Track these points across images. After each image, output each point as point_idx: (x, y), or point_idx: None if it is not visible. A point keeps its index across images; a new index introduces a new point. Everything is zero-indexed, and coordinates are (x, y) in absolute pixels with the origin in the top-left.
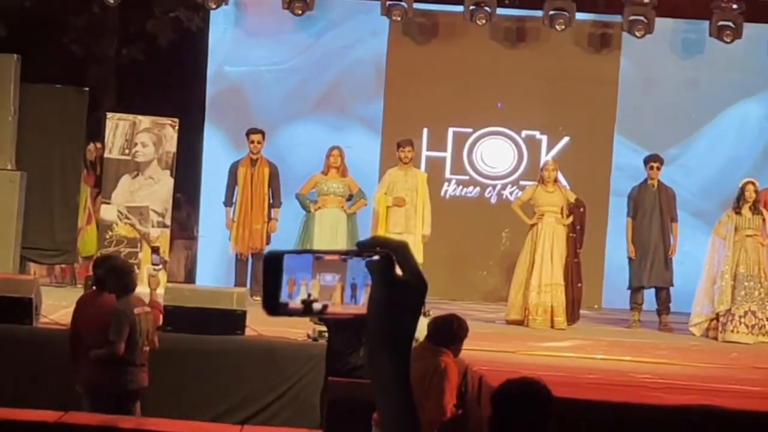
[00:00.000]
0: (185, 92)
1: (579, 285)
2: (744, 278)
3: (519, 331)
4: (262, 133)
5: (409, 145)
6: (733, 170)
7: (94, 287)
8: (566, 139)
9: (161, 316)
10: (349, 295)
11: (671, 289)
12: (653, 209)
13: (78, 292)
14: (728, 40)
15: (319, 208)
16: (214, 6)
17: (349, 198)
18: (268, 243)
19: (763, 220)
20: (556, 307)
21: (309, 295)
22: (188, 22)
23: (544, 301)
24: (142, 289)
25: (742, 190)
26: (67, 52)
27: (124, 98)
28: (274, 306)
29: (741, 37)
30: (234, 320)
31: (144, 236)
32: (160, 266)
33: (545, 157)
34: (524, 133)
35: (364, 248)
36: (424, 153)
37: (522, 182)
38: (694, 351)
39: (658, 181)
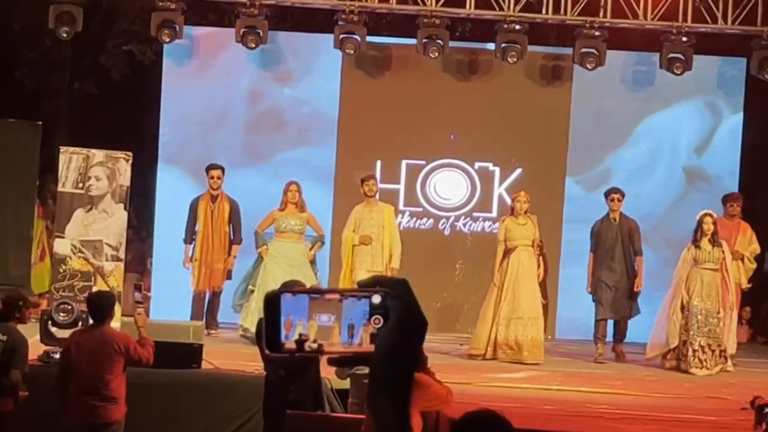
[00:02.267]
0: (139, 126)
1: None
2: (697, 311)
3: (474, 363)
4: (222, 168)
5: (372, 179)
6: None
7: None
8: (519, 170)
9: (153, 353)
10: (347, 335)
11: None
12: (615, 243)
13: (31, 327)
14: (678, 72)
15: (266, 246)
16: (167, 40)
17: (315, 242)
18: (228, 278)
19: (723, 252)
20: (529, 341)
21: (301, 335)
22: (141, 55)
23: (513, 335)
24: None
25: (700, 222)
26: (20, 85)
27: (78, 132)
28: (276, 345)
29: (691, 69)
30: (190, 354)
31: (98, 270)
32: (143, 303)
33: (498, 189)
34: (477, 164)
35: (364, 287)
36: (378, 185)
37: (475, 213)
38: (649, 381)
39: (621, 213)
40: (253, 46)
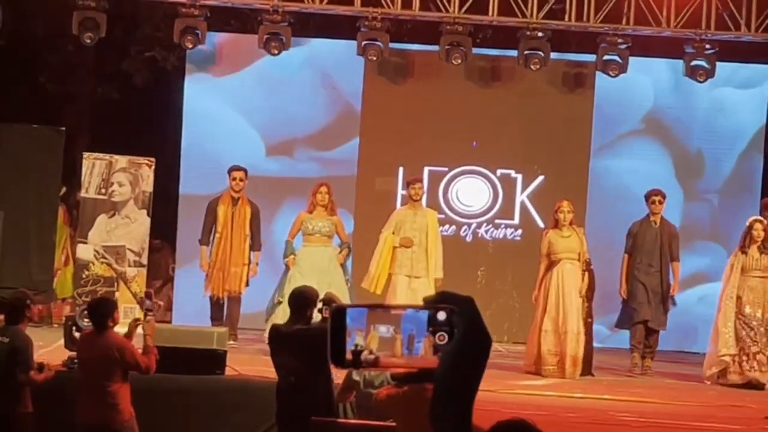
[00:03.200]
0: (161, 131)
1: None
2: (750, 320)
3: (497, 369)
4: (245, 170)
5: (418, 182)
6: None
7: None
8: (541, 177)
9: (156, 362)
10: (406, 347)
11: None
12: (654, 247)
13: (55, 332)
14: (701, 80)
15: (293, 256)
16: (190, 46)
17: (342, 248)
18: (247, 286)
19: None
20: (571, 357)
21: (357, 346)
22: (164, 61)
23: (559, 349)
24: (121, 329)
25: (749, 228)
26: (43, 91)
27: (100, 137)
28: (341, 359)
29: (714, 76)
30: (215, 360)
31: (120, 275)
32: (154, 311)
33: (520, 196)
34: (499, 171)
35: (431, 303)
36: (400, 192)
37: (497, 220)
38: (671, 389)
39: (662, 217)
40: (276, 52)
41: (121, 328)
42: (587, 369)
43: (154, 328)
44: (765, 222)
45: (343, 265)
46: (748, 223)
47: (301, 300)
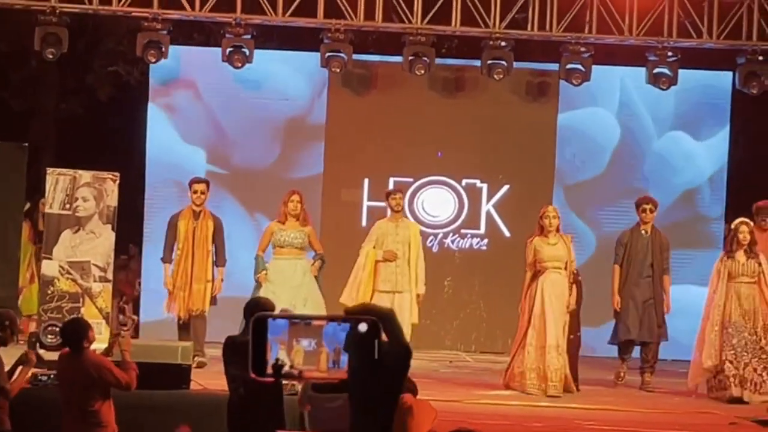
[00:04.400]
0: (126, 146)
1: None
2: (738, 330)
3: (464, 379)
4: (207, 182)
5: (398, 193)
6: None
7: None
8: (506, 186)
9: (136, 377)
10: (332, 361)
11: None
12: (646, 257)
13: (20, 349)
14: (664, 87)
15: (265, 272)
16: (153, 60)
17: (316, 259)
18: (212, 304)
19: (760, 264)
20: (554, 371)
21: (277, 360)
22: (128, 75)
23: (539, 364)
24: (98, 345)
25: (735, 231)
26: (6, 106)
27: (64, 153)
28: (261, 369)
29: (677, 83)
30: (180, 374)
31: (86, 291)
32: (128, 326)
33: (485, 206)
34: (464, 181)
35: (352, 315)
36: (365, 203)
37: (463, 230)
38: (639, 397)
39: (652, 226)
40: (240, 65)
41: (98, 345)
42: (570, 384)
43: (130, 343)
44: (751, 224)
45: (317, 278)
46: (733, 226)
47: (256, 310)
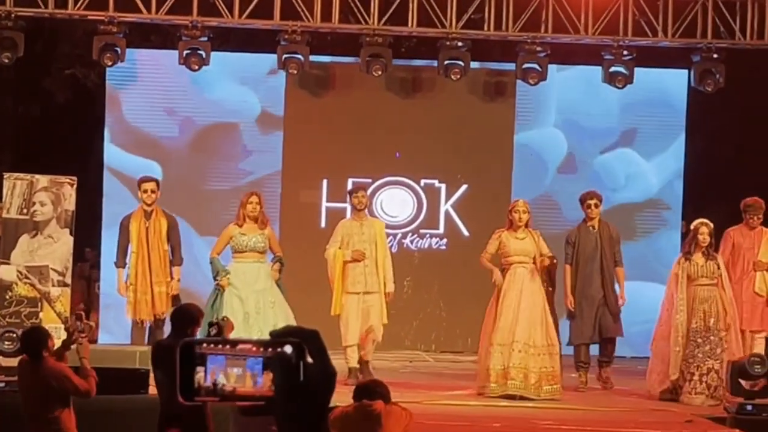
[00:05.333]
0: (84, 149)
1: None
2: (698, 335)
3: (422, 380)
4: (157, 181)
5: (361, 190)
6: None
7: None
8: (465, 186)
9: (96, 384)
10: (252, 382)
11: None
12: (595, 253)
13: None
14: (620, 86)
15: (228, 276)
16: (110, 63)
17: (275, 262)
18: (173, 305)
19: (718, 266)
20: (537, 372)
21: (215, 382)
22: (85, 79)
23: (514, 364)
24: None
25: (695, 232)
26: None
27: (21, 157)
28: (189, 395)
29: (632, 82)
30: (138, 379)
31: (44, 296)
32: (86, 332)
33: (444, 205)
34: (423, 181)
35: (278, 337)
36: (324, 204)
37: (422, 230)
38: (595, 395)
39: (599, 220)
40: (196, 67)
41: None
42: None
43: (89, 349)
44: (711, 226)
45: (279, 281)
46: (693, 227)
47: (184, 318)
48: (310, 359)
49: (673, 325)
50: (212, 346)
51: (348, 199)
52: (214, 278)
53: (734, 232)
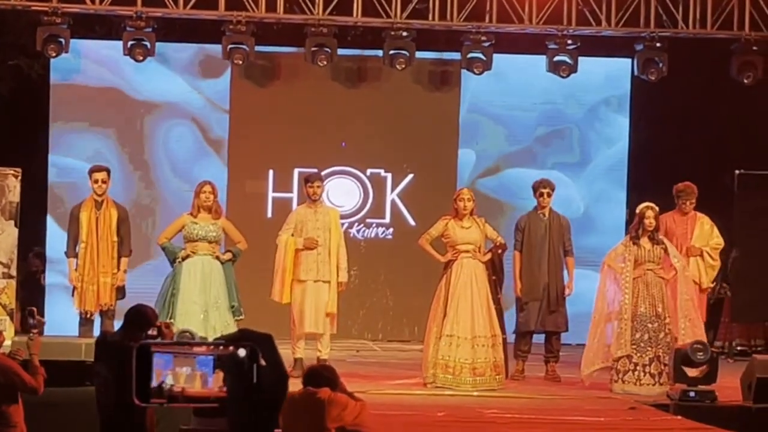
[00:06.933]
0: (29, 141)
1: (504, 336)
2: (647, 319)
3: (369, 369)
4: (107, 170)
5: (317, 179)
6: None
7: None
8: (411, 175)
9: (43, 381)
10: (202, 382)
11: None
12: (543, 241)
13: None
14: (564, 75)
15: (188, 256)
16: (54, 54)
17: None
18: (120, 297)
19: (665, 250)
20: (482, 364)
21: (162, 382)
22: (29, 69)
23: (460, 356)
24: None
25: (641, 216)
26: None
27: None
28: (146, 396)
29: (576, 71)
30: (83, 371)
31: None
32: (38, 329)
33: (390, 195)
34: (369, 171)
35: (231, 341)
36: (270, 194)
37: (369, 220)
38: (540, 384)
39: (550, 209)
40: (141, 58)
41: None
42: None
43: (40, 346)
44: (656, 209)
45: (228, 269)
46: (638, 211)
47: (138, 318)
48: (263, 362)
49: (620, 307)
50: (170, 354)
51: (303, 188)
52: (172, 263)
53: (667, 218)
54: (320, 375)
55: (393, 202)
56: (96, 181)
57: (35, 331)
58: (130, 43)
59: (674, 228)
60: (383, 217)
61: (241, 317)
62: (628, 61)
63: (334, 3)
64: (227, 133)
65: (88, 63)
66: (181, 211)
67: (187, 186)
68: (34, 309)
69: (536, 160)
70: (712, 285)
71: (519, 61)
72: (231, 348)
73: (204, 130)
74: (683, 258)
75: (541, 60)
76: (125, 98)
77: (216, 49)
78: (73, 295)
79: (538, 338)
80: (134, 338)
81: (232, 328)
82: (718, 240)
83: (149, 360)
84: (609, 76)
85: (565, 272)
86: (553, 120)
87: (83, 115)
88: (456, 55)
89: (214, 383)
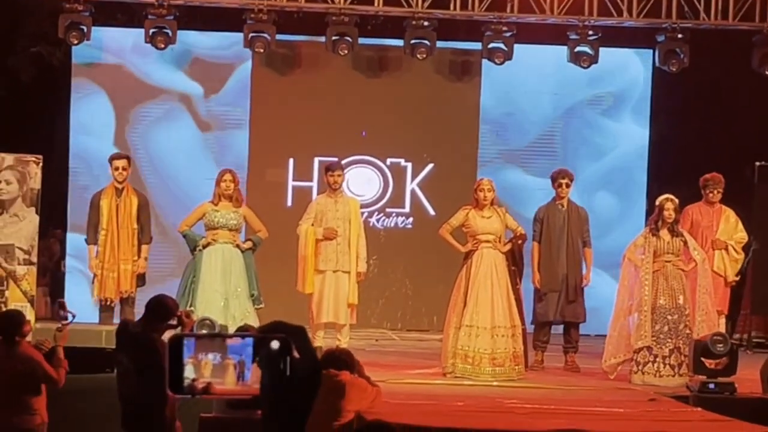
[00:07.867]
0: (49, 128)
1: (524, 327)
2: (666, 311)
3: (388, 359)
4: (128, 158)
5: (339, 168)
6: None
7: None
8: (431, 165)
9: (65, 374)
10: (238, 372)
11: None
12: (562, 232)
13: None
14: (585, 66)
15: (209, 243)
16: (75, 42)
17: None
18: (141, 284)
19: (685, 242)
20: (502, 354)
21: (192, 380)
22: (50, 57)
23: (480, 346)
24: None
25: (660, 208)
26: None
27: None
28: (179, 387)
29: (597, 62)
30: (104, 359)
31: (10, 274)
32: (68, 321)
33: (410, 185)
34: (389, 160)
35: (265, 332)
36: (291, 183)
37: (388, 209)
38: (560, 374)
39: (569, 200)
40: (163, 46)
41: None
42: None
43: (67, 338)
44: (676, 201)
45: (248, 258)
46: (658, 203)
47: (159, 309)
48: (296, 354)
49: (639, 297)
50: (193, 341)
51: (324, 177)
52: (192, 251)
53: (693, 209)
54: (338, 358)
55: (413, 191)
56: (116, 169)
57: (65, 322)
58: (151, 30)
59: (700, 219)
60: (403, 207)
61: (261, 306)
62: (650, 52)
63: None
64: (248, 121)
65: (110, 51)
66: (200, 200)
67: (208, 175)
68: (65, 301)
69: (556, 152)
70: (737, 278)
71: (540, 52)
72: (263, 339)
73: (224, 119)
74: (703, 251)
75: (562, 50)
76: (146, 86)
77: (237, 37)
78: (93, 282)
79: (557, 329)
80: (155, 329)
81: (252, 317)
82: (742, 234)
83: (181, 351)
84: (630, 68)
85: (584, 264)
86: (572, 111)
87: (104, 103)
88: (477, 45)
89: (253, 375)
